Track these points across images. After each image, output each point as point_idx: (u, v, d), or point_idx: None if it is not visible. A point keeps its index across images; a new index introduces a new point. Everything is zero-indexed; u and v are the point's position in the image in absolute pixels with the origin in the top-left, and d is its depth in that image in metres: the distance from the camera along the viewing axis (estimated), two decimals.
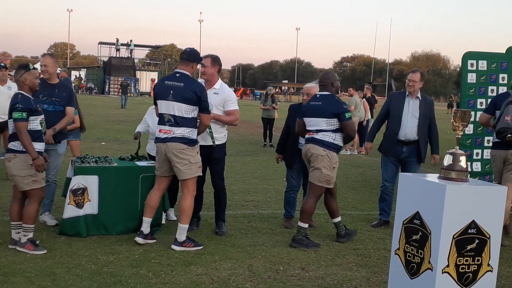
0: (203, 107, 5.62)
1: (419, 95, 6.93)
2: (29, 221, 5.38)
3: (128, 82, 44.27)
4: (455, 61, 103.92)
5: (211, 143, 6.15)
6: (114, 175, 6.14)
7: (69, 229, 5.91)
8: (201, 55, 6.13)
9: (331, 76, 6.25)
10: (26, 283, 4.56)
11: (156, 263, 5.19)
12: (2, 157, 6.09)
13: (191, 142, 5.59)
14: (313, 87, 6.79)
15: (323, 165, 5.88)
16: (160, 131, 5.65)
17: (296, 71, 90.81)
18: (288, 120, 7.01)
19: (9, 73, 12.16)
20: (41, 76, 6.19)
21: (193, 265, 5.19)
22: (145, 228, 5.82)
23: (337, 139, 5.97)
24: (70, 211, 5.94)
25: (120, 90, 37.58)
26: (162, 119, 5.63)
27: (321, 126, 5.95)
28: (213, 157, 6.24)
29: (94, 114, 25.07)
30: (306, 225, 6.03)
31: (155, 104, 5.81)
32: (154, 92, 5.85)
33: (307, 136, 6.11)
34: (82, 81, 58.10)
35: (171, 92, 5.55)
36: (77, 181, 5.96)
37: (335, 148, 5.97)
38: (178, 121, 5.54)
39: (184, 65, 5.70)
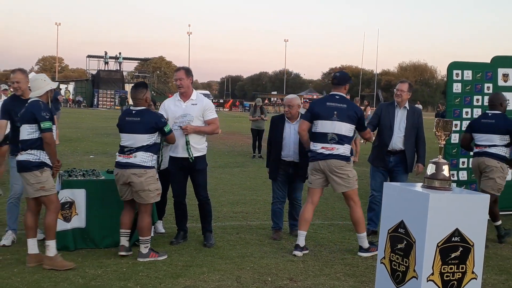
0: (362, 124, 6.22)
1: (407, 105, 7.02)
2: (148, 233, 5.72)
3: (125, 95, 44.63)
4: (442, 71, 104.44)
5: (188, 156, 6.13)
6: (101, 188, 6.13)
7: (57, 243, 5.86)
8: (191, 67, 6.43)
9: (501, 97, 7.02)
10: None
11: (144, 276, 5.18)
12: None
13: (348, 159, 6.13)
14: (293, 98, 6.94)
15: (497, 176, 6.75)
16: (322, 148, 6.02)
17: (285, 82, 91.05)
18: (270, 132, 7.03)
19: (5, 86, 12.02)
20: (14, 93, 6.07)
21: (181, 277, 5.18)
22: (301, 241, 6.15)
23: (507, 152, 6.83)
24: (57, 225, 5.91)
25: (119, 102, 39.14)
26: (325, 138, 6.03)
27: (494, 141, 6.78)
28: (195, 168, 6.24)
29: (83, 127, 25.02)
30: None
31: (310, 122, 6.16)
32: (313, 112, 6.13)
33: (477, 149, 6.92)
34: (70, 95, 57.64)
35: (335, 112, 6.01)
36: (64, 195, 5.95)
37: (505, 160, 6.82)
38: (342, 139, 6.02)
39: (338, 89, 6.19)
